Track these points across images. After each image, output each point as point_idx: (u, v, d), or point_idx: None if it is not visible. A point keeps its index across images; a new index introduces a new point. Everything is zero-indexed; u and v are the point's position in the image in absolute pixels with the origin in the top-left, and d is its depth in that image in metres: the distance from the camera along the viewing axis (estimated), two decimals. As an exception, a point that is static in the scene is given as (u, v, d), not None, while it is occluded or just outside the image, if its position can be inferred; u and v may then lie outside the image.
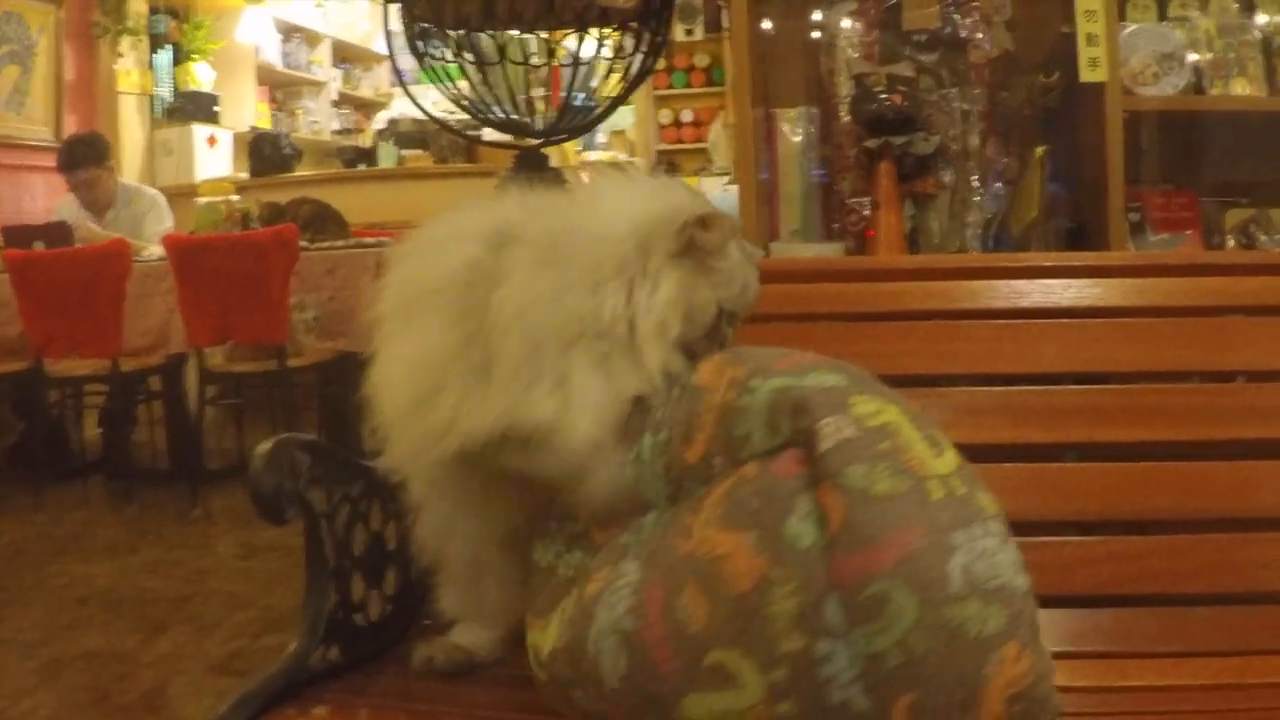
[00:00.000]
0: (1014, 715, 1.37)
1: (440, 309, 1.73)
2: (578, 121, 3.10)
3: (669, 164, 12.16)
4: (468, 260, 1.74)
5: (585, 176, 1.99)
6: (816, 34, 3.13)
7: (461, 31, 3.29)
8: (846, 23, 3.03)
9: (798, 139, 3.03)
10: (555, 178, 2.98)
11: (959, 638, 1.36)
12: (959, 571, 1.39)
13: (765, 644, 1.41)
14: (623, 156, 11.86)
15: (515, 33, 3.43)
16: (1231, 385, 2.30)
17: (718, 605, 1.45)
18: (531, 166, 3.03)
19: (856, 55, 2.95)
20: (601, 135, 12.56)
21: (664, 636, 1.48)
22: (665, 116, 12.29)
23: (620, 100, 3.15)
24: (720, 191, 6.56)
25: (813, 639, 1.40)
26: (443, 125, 3.71)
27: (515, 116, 3.09)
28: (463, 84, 3.37)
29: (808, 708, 1.40)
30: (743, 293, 1.80)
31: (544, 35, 3.52)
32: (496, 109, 3.17)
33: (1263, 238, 3.02)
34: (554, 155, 9.61)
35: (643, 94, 11.86)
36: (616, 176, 1.87)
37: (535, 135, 3.10)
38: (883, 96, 2.79)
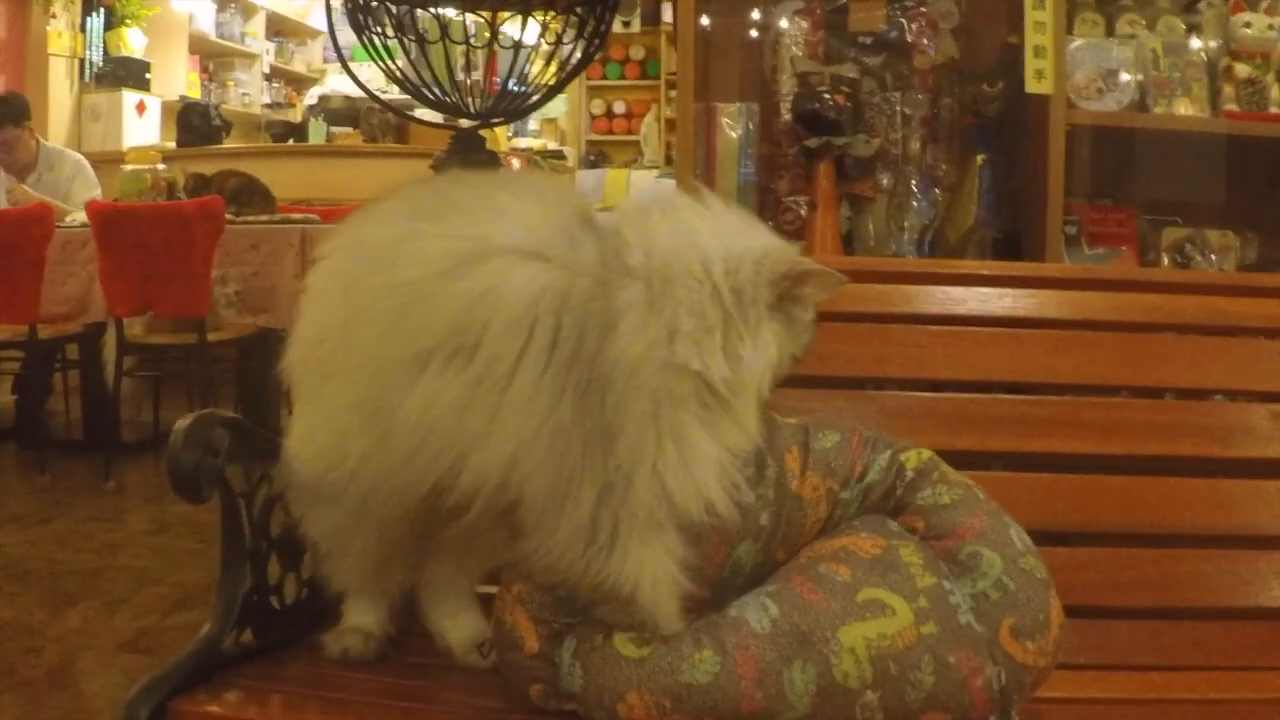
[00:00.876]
0: (1060, 638, 1.74)
1: (518, 348, 1.56)
2: (513, 105, 3.06)
3: (599, 154, 12.16)
4: (559, 289, 1.58)
5: (666, 200, 1.75)
6: (761, 31, 3.11)
7: (404, 7, 3.25)
8: (791, 21, 3.01)
9: (736, 135, 3.01)
10: (491, 161, 2.94)
11: (1031, 579, 1.75)
12: (1016, 537, 1.80)
13: (906, 582, 1.72)
14: (553, 145, 11.84)
15: (453, 13, 3.39)
16: (1161, 402, 2.31)
17: (856, 566, 1.74)
18: (467, 149, 2.98)
19: (800, 54, 2.93)
20: (533, 123, 12.53)
21: (812, 588, 1.71)
22: (597, 107, 12.29)
23: (559, 87, 3.12)
24: (652, 184, 6.52)
25: (939, 578, 1.74)
26: (381, 103, 3.66)
27: (452, 99, 3.04)
28: (401, 62, 3.33)
29: (945, 629, 1.69)
30: (809, 342, 1.75)
31: (484, 17, 3.47)
32: (434, 90, 3.13)
33: (1198, 258, 3.03)
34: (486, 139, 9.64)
35: (575, 83, 11.84)
36: (702, 206, 1.71)
37: (471, 117, 3.05)
38: (826, 96, 2.77)
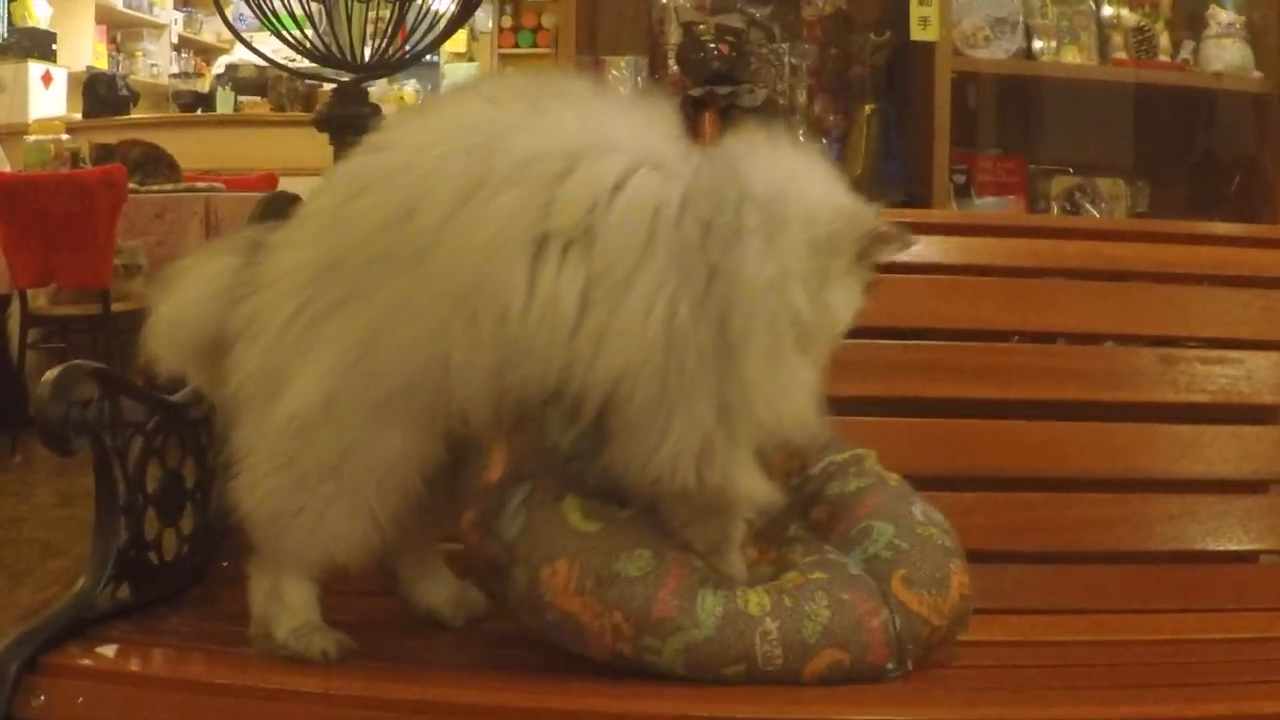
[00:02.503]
0: (961, 606, 1.78)
1: (638, 247, 1.57)
2: (397, 59, 3.03)
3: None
4: (679, 196, 1.60)
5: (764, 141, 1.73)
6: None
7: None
8: (680, -30, 3.01)
9: (625, 88, 3.00)
10: (374, 113, 2.91)
11: (929, 544, 1.81)
12: (919, 511, 1.87)
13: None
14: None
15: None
16: (1047, 347, 2.32)
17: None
18: (349, 102, 2.95)
19: (686, 4, 2.92)
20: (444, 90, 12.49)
21: None
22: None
23: (441, 39, 3.08)
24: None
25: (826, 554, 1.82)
26: (275, 64, 3.61)
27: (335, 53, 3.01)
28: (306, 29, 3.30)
29: (835, 575, 1.75)
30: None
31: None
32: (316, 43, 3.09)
33: (1088, 206, 3.06)
34: (396, 108, 9.58)
35: (487, 51, 11.81)
36: (803, 153, 1.73)
37: (352, 69, 3.02)
38: (710, 46, 2.77)
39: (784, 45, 2.93)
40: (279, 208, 2.33)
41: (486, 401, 1.62)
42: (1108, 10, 3.11)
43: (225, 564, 2.13)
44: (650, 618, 1.66)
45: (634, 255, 1.56)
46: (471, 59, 12.46)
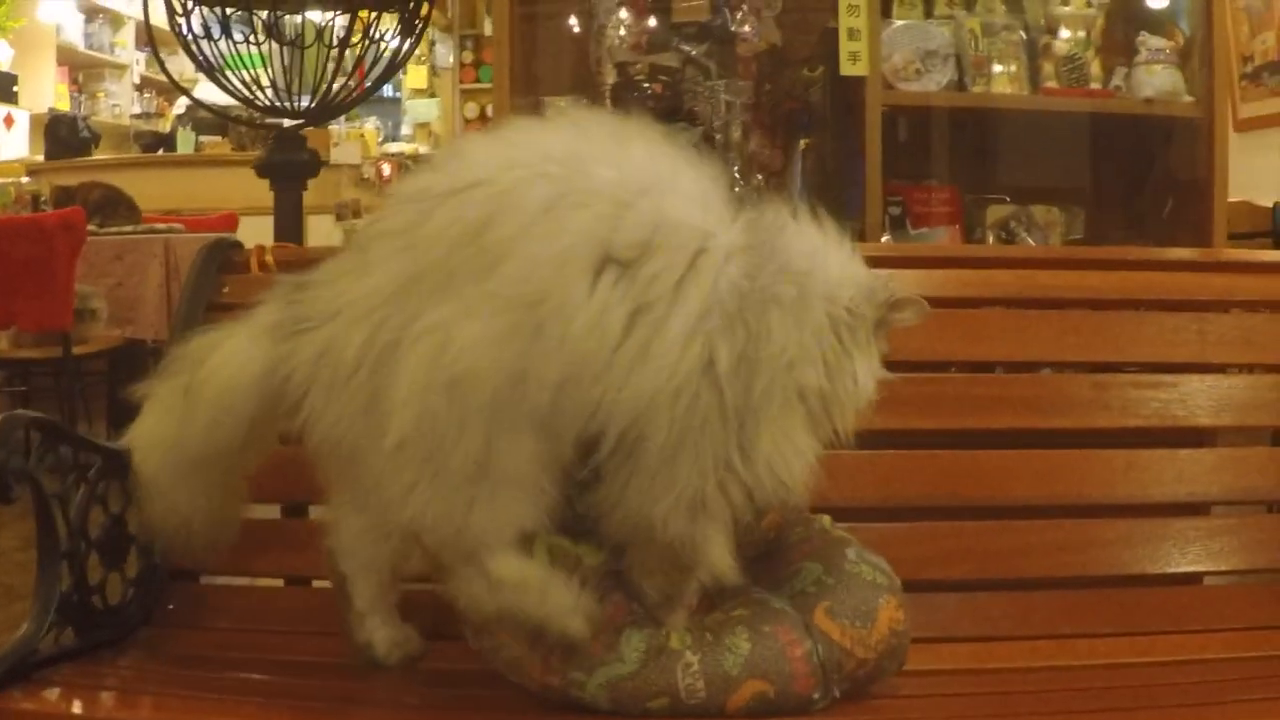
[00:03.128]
0: (891, 641, 1.79)
1: (675, 280, 1.63)
2: (333, 103, 3.05)
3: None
4: (723, 248, 1.66)
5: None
6: (586, 22, 3.13)
7: (267, 14, 3.23)
8: (614, 12, 3.03)
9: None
10: (313, 160, 2.93)
11: (856, 580, 1.83)
12: (853, 553, 1.88)
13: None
14: (424, 149, 11.80)
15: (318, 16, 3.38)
16: (980, 376, 2.35)
17: None
18: (288, 148, 2.98)
19: (621, 44, 2.95)
20: (406, 127, 12.49)
21: None
22: (471, 111, 12.24)
23: (379, 84, 3.12)
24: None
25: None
26: (213, 110, 3.64)
27: (277, 102, 3.03)
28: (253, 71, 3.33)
29: (756, 611, 1.78)
30: None
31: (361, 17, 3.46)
32: (259, 92, 3.12)
33: (1023, 234, 3.09)
34: (356, 146, 9.60)
35: (448, 88, 11.82)
36: (822, 230, 1.79)
37: (292, 116, 3.04)
38: (645, 86, 2.80)
39: (720, 82, 2.97)
40: (223, 253, 2.37)
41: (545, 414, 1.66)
42: (1038, 40, 3.15)
43: (171, 607, 2.15)
44: (580, 650, 1.70)
45: (675, 289, 1.62)
46: (433, 94, 12.48)
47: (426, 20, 3.30)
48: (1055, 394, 2.33)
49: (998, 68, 3.06)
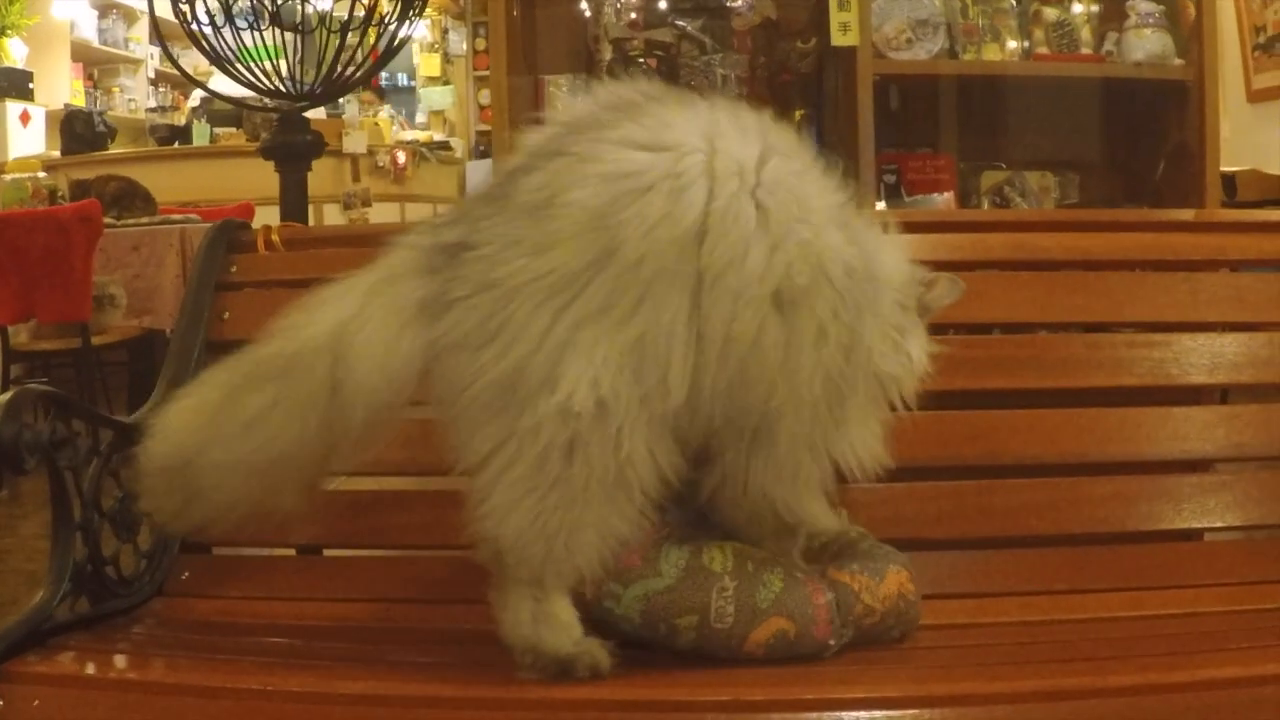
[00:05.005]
0: (898, 604, 1.89)
1: (831, 310, 1.71)
2: (333, 87, 3.09)
3: (489, 145, 12.15)
4: (847, 267, 1.73)
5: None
6: (585, 1, 3.17)
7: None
8: (614, -11, 3.07)
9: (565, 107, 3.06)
10: (316, 141, 2.97)
11: (869, 552, 1.92)
12: (869, 542, 1.96)
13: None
14: (439, 136, 11.83)
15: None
16: (976, 337, 2.37)
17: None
18: (291, 130, 3.01)
19: (617, 22, 2.99)
20: (420, 115, 12.52)
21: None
22: (486, 97, 12.27)
23: (381, 64, 3.15)
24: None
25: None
26: (220, 97, 3.69)
27: (279, 86, 3.07)
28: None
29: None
30: None
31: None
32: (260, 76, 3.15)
33: (1017, 199, 3.12)
34: (367, 133, 9.63)
35: (462, 75, 11.85)
36: (871, 223, 1.87)
37: (291, 99, 3.08)
38: (640, 61, 2.84)
39: (715, 56, 3.00)
40: (231, 234, 2.42)
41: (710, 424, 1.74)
42: (1029, 7, 3.18)
43: (185, 576, 2.19)
44: (618, 564, 1.75)
45: (820, 330, 1.70)
46: (447, 82, 12.52)
47: (424, 4, 3.33)
48: (1049, 354, 2.35)
49: (988, 35, 3.08)
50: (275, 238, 2.43)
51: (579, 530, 1.67)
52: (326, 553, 2.29)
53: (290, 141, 2.97)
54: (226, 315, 2.38)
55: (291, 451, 1.73)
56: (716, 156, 1.67)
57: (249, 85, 3.15)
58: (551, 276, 1.62)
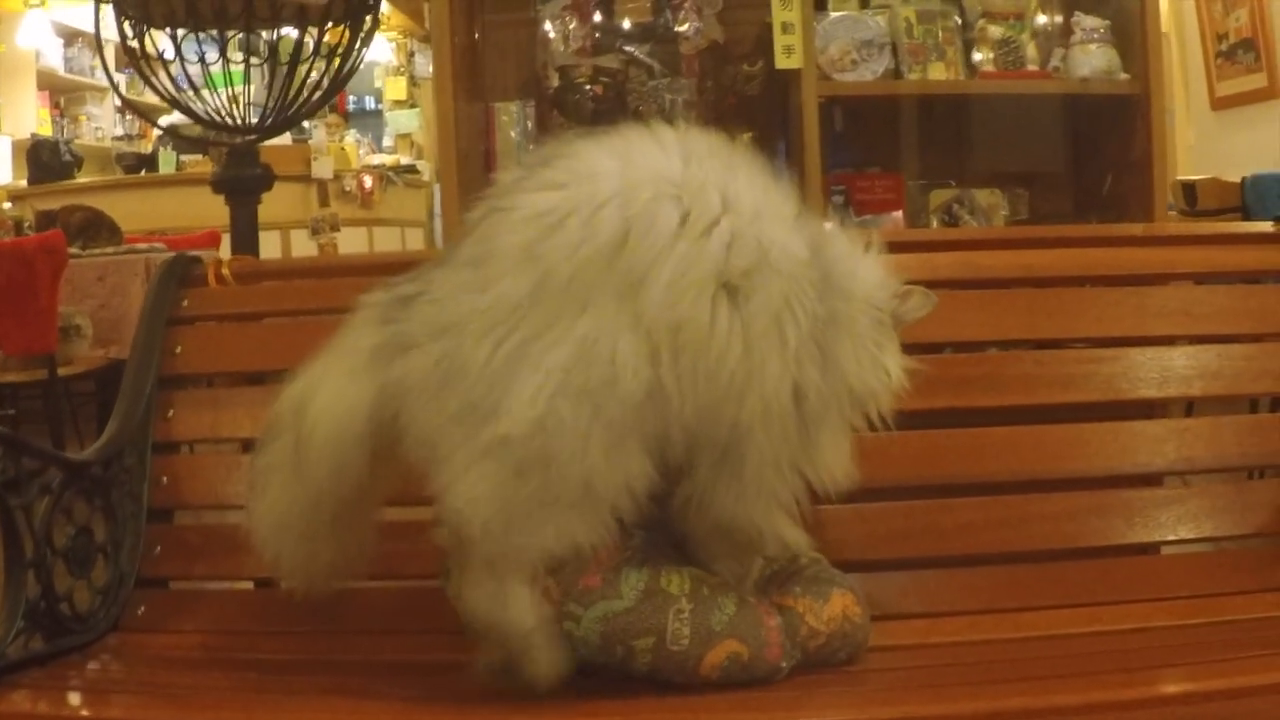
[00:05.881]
0: (843, 626, 1.90)
1: (779, 307, 1.72)
2: (283, 119, 3.09)
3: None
4: (813, 271, 1.75)
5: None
6: (531, 28, 3.17)
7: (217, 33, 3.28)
8: (559, 17, 3.07)
9: (515, 133, 3.07)
10: (266, 175, 2.97)
11: (815, 578, 1.94)
12: (816, 567, 1.98)
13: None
14: (406, 159, 11.82)
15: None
16: (933, 357, 2.37)
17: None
18: (241, 164, 3.02)
19: (563, 49, 3.00)
20: (388, 139, 12.52)
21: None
22: (454, 119, 12.27)
23: (328, 97, 3.16)
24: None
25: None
26: (168, 131, 3.69)
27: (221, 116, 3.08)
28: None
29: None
30: None
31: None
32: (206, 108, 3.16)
33: (966, 217, 3.13)
34: (333, 158, 9.62)
35: (428, 98, 11.84)
36: (838, 230, 1.91)
37: (240, 131, 3.09)
38: (586, 88, 2.85)
39: (663, 81, 3.02)
40: (182, 269, 2.42)
41: (686, 431, 1.73)
42: (974, 25, 3.20)
43: (141, 611, 2.20)
44: (577, 585, 1.77)
45: (776, 322, 1.71)
46: (414, 105, 12.52)
47: (371, 33, 3.34)
48: (1000, 372, 2.36)
49: (933, 54, 3.10)
50: (226, 271, 2.44)
51: (542, 525, 1.71)
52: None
53: (240, 175, 2.98)
54: (179, 350, 2.38)
55: (294, 509, 1.83)
56: (629, 169, 1.72)
57: (198, 120, 3.16)
58: (494, 310, 1.67)
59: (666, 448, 1.73)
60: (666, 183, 1.70)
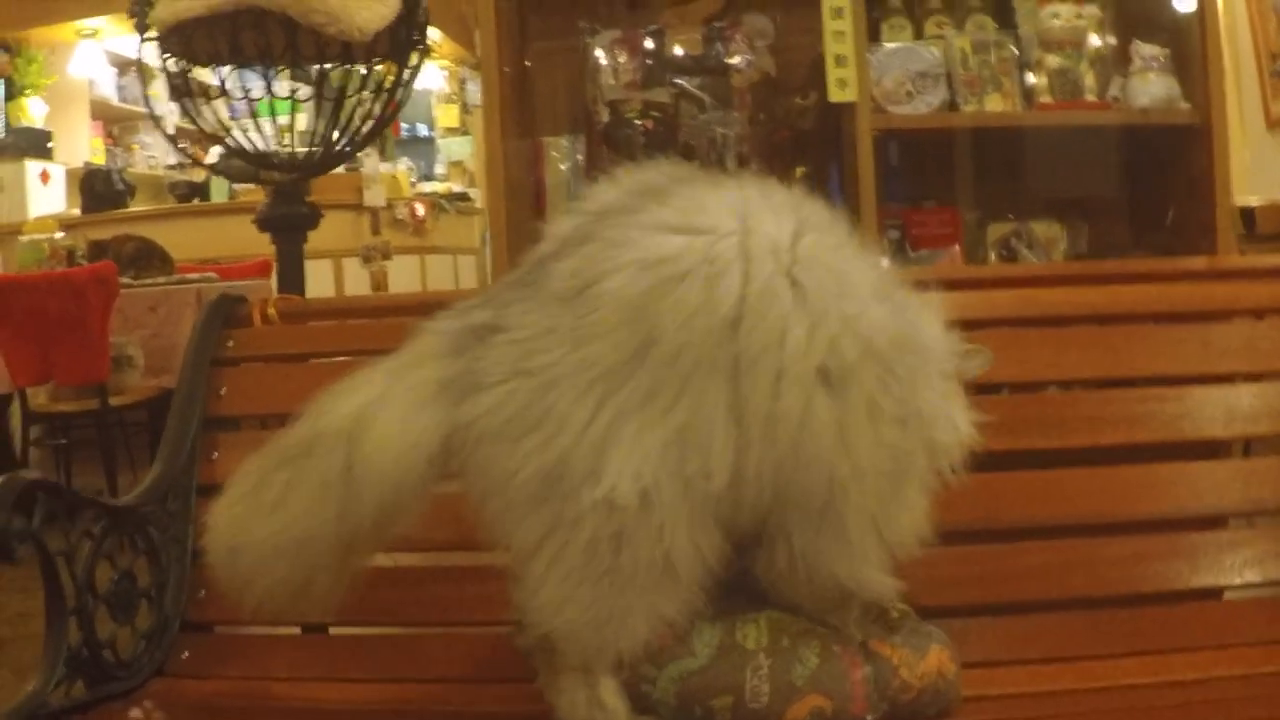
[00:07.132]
0: (937, 682, 1.83)
1: (870, 389, 1.68)
2: (329, 157, 3.08)
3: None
4: (887, 355, 1.71)
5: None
6: (581, 62, 3.15)
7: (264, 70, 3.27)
8: (609, 51, 3.05)
9: (565, 167, 3.05)
10: (311, 214, 2.96)
11: (917, 631, 1.88)
12: (930, 631, 1.91)
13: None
14: (458, 188, 11.84)
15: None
16: (994, 398, 2.33)
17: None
18: (288, 201, 3.00)
19: (613, 82, 2.97)
20: (440, 166, 12.55)
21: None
22: (508, 147, 12.30)
23: (376, 133, 3.14)
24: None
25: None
26: (196, 161, 3.70)
27: (270, 150, 3.07)
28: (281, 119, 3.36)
29: (829, 630, 1.80)
30: None
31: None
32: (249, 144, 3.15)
33: (1024, 250, 3.09)
34: (387, 186, 9.64)
35: (480, 126, 11.86)
36: (913, 295, 1.84)
37: (282, 169, 3.07)
38: (636, 123, 2.82)
39: (714, 114, 2.98)
40: (226, 309, 2.40)
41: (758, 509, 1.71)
42: (1031, 55, 3.16)
43: (185, 655, 2.17)
44: (650, 644, 1.72)
45: (869, 408, 1.67)
46: (466, 132, 12.55)
47: (418, 68, 3.32)
48: (1059, 412, 2.32)
49: (989, 85, 3.07)
50: (272, 311, 2.42)
51: (629, 616, 1.67)
52: (333, 631, 2.26)
53: (286, 214, 2.96)
54: (223, 391, 2.36)
55: (314, 533, 1.72)
56: (750, 236, 1.65)
57: (244, 157, 3.15)
58: (593, 370, 1.61)
59: (738, 517, 1.69)
60: (785, 255, 1.65)
